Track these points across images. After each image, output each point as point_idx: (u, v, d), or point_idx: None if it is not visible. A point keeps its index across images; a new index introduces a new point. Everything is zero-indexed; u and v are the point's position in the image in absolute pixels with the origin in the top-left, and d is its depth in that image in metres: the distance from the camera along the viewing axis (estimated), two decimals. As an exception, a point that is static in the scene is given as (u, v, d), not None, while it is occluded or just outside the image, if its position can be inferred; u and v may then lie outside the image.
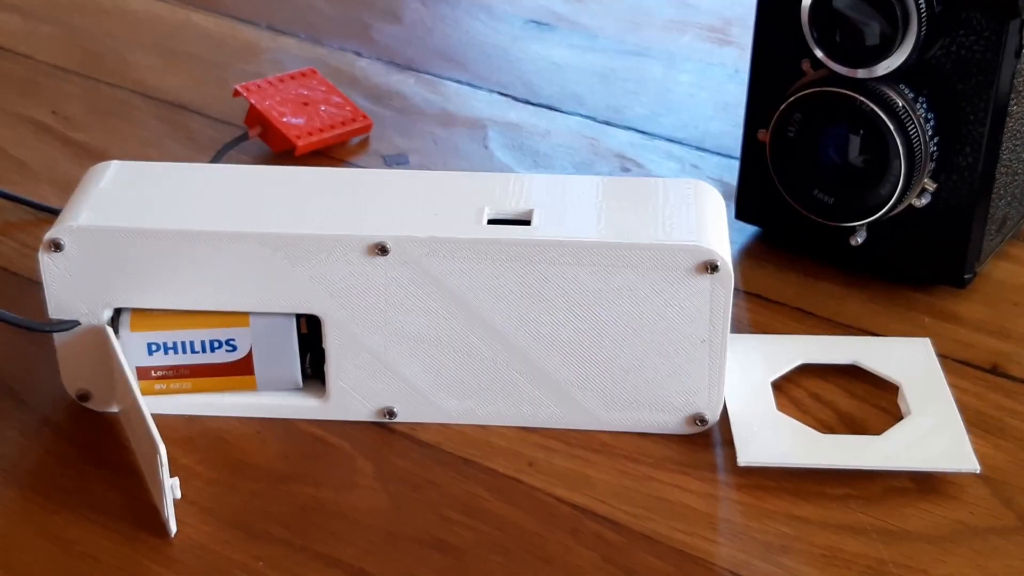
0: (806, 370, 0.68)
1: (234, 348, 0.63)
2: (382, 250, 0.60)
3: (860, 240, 0.72)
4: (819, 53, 0.68)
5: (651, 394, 0.63)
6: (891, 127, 0.67)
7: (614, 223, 0.61)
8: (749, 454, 0.61)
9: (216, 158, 0.84)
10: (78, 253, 0.61)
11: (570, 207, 0.62)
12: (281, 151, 0.86)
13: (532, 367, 0.63)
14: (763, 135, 0.73)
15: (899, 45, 0.66)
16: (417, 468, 0.62)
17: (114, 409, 0.65)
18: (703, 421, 0.63)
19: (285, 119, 0.86)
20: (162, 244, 0.61)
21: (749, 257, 0.77)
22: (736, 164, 0.77)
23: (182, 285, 0.62)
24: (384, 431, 0.65)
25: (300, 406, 0.65)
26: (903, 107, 0.67)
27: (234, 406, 0.65)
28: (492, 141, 0.89)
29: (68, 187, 0.67)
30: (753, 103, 0.74)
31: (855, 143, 0.70)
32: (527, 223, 0.61)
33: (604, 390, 0.63)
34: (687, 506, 0.60)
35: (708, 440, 0.64)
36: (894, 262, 0.73)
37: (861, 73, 0.68)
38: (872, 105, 0.67)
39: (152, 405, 0.60)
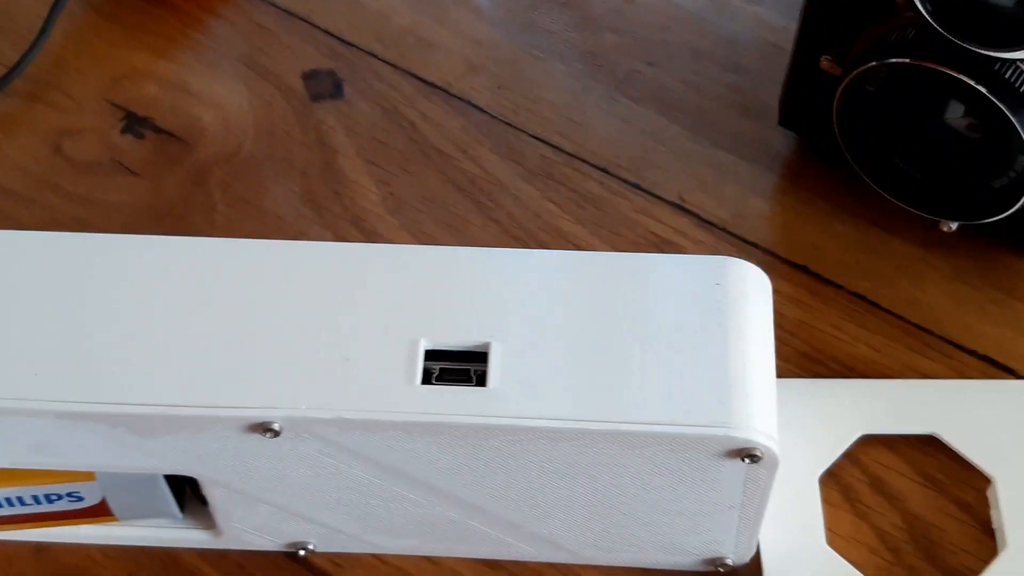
0: (869, 442, 0.50)
1: (80, 499, 0.46)
2: (269, 430, 0.41)
3: (954, 227, 0.51)
4: (932, 20, 0.45)
5: (660, 543, 0.46)
6: (1019, 126, 0.45)
7: (604, 379, 0.41)
8: (787, 644, 0.46)
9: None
10: None
11: (541, 338, 0.42)
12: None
13: (500, 521, 0.46)
14: (829, 65, 0.50)
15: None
16: (344, 643, 0.47)
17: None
18: (725, 566, 0.47)
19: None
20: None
21: (793, 194, 0.56)
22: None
23: (-10, 449, 0.43)
24: (298, 569, 0.48)
25: (184, 538, 0.48)
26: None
27: (96, 536, 0.48)
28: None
29: None
30: (811, 20, 0.50)
31: (961, 123, 0.47)
32: (482, 372, 0.41)
33: (597, 541, 0.46)
34: None
35: (732, 582, 0.48)
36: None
37: (984, 50, 0.45)
38: (997, 102, 0.45)
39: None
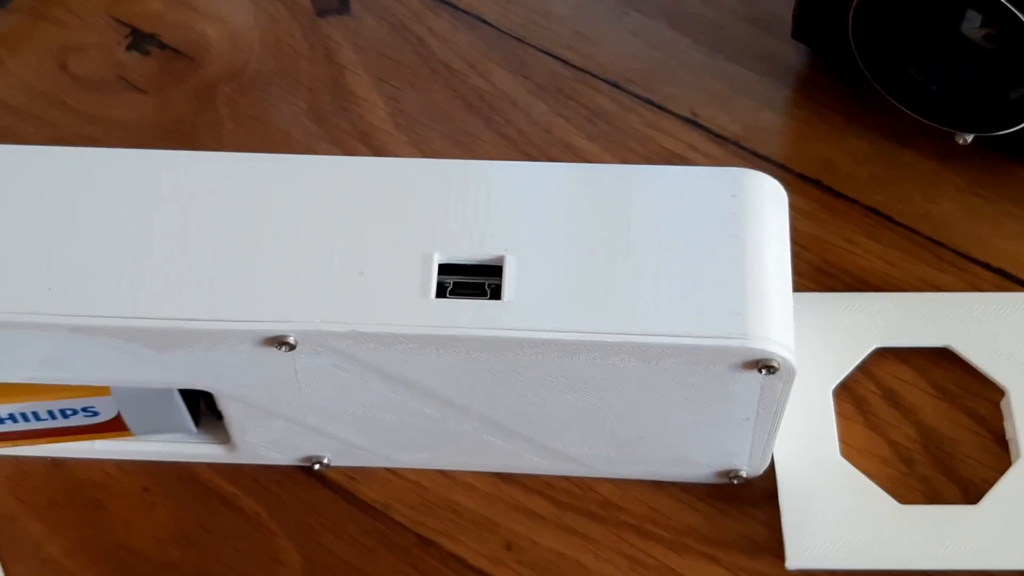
0: (883, 354, 0.50)
1: (95, 414, 0.46)
2: (284, 344, 0.41)
3: (969, 139, 0.51)
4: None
5: (674, 455, 0.46)
6: (1042, 35, 0.45)
7: (619, 291, 0.41)
8: (801, 555, 0.46)
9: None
10: None
11: (555, 251, 0.42)
12: None
13: (514, 434, 0.46)
14: (843, -25, 0.49)
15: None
16: (358, 555, 0.47)
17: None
18: (739, 478, 0.47)
19: None
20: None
21: (805, 108, 0.56)
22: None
23: (2, 364, 0.43)
24: (313, 482, 0.48)
25: (199, 452, 0.48)
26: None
27: (112, 451, 0.48)
28: None
29: None
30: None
31: (978, 34, 0.47)
32: (496, 285, 0.41)
33: (610, 454, 0.47)
34: (716, 625, 0.46)
35: (744, 495, 0.48)
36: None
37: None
38: (1015, 11, 0.44)
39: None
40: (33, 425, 0.46)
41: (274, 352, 0.41)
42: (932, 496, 0.47)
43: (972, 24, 0.47)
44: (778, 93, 0.56)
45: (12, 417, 0.46)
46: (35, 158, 0.44)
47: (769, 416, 0.44)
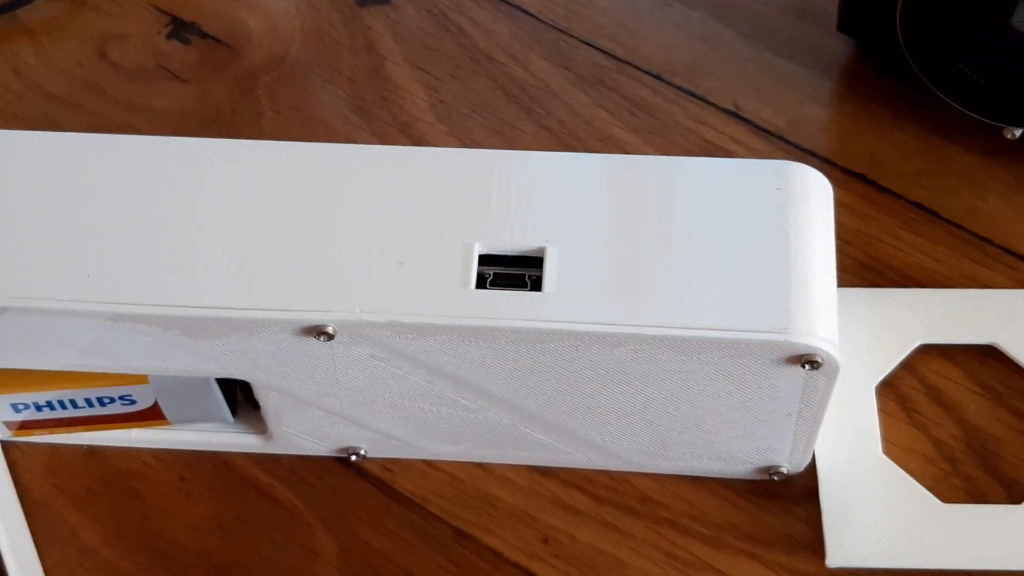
0: (927, 351, 0.49)
1: (132, 402, 0.46)
2: (323, 333, 0.41)
3: (1018, 134, 0.50)
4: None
5: (714, 451, 0.46)
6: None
7: (661, 284, 0.40)
8: (841, 552, 0.45)
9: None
10: None
11: (597, 242, 0.41)
12: None
13: (552, 427, 0.45)
14: (890, -34, 0.49)
15: None
16: (394, 548, 0.47)
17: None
18: (780, 474, 0.47)
19: None
20: None
21: (851, 101, 0.55)
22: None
23: (41, 351, 0.43)
24: (349, 474, 0.48)
25: (235, 442, 0.48)
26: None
27: (148, 440, 0.48)
28: None
29: None
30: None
31: (1033, 26, 0.46)
32: (537, 276, 0.41)
33: (649, 449, 0.46)
34: (755, 623, 0.45)
35: (785, 491, 0.47)
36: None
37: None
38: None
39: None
40: (70, 413, 0.46)
41: (312, 342, 0.41)
42: (975, 495, 0.46)
43: (1022, 17, 0.46)
44: (823, 86, 0.56)
45: (49, 404, 0.46)
46: (75, 145, 0.44)
47: (811, 412, 0.43)
